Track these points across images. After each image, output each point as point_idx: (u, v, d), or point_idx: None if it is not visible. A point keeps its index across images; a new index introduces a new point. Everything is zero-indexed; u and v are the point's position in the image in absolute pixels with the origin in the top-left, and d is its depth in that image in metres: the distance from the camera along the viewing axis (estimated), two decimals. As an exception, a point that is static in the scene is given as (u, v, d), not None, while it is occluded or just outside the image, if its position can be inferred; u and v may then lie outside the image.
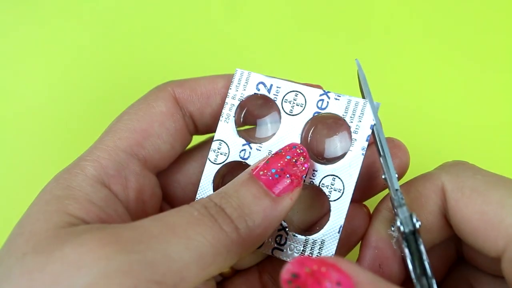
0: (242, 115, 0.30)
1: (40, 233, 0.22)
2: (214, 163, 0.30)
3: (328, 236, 0.28)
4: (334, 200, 0.28)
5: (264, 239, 0.25)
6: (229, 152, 0.30)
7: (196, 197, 0.30)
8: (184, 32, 0.45)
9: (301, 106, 0.28)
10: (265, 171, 0.26)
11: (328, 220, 0.28)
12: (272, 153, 0.28)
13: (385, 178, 0.26)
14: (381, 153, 0.27)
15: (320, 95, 0.28)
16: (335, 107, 0.28)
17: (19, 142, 0.42)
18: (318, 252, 0.28)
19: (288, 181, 0.26)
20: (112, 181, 0.26)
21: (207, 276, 0.22)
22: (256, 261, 0.31)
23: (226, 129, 0.30)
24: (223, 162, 0.30)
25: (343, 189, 0.27)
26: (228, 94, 0.29)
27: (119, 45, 0.44)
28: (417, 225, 0.24)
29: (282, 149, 0.27)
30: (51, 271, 0.20)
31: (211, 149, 0.30)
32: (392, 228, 0.27)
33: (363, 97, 0.28)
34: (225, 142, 0.30)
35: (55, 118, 0.42)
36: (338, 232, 0.27)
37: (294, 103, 0.28)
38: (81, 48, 0.44)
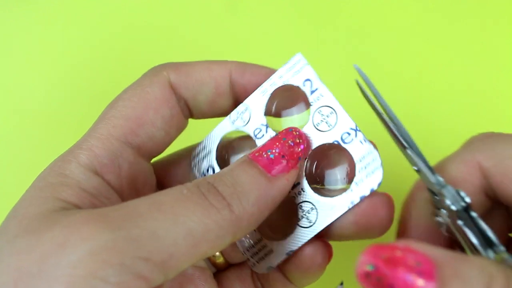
0: (274, 105, 0.30)
1: (33, 217, 0.22)
2: (231, 122, 0.30)
3: (277, 251, 0.28)
4: (301, 227, 0.28)
5: (259, 220, 0.25)
6: (248, 122, 0.29)
7: (198, 146, 0.30)
8: (184, 28, 0.46)
9: (329, 126, 0.28)
10: (261, 152, 0.26)
11: (286, 237, 0.28)
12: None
13: (417, 170, 0.26)
14: (405, 145, 0.26)
15: (351, 128, 0.27)
16: (355, 149, 0.27)
17: (18, 140, 0.42)
18: (262, 257, 0.28)
19: (284, 162, 0.26)
20: (105, 170, 0.26)
21: (200, 254, 0.22)
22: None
23: (258, 101, 0.29)
24: (238, 127, 0.29)
25: (313, 224, 0.27)
26: (277, 71, 0.29)
27: (118, 43, 0.45)
28: (467, 199, 0.23)
29: (279, 132, 0.27)
30: (39, 251, 0.21)
31: (235, 109, 0.29)
32: (439, 218, 0.26)
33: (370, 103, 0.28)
34: (249, 111, 0.29)
35: (54, 116, 0.42)
36: (286, 254, 0.28)
37: (325, 119, 0.28)
38: (80, 47, 0.44)
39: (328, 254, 0.28)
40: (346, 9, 0.47)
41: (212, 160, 0.30)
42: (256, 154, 0.26)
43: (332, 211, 0.27)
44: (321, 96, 0.28)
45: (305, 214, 0.28)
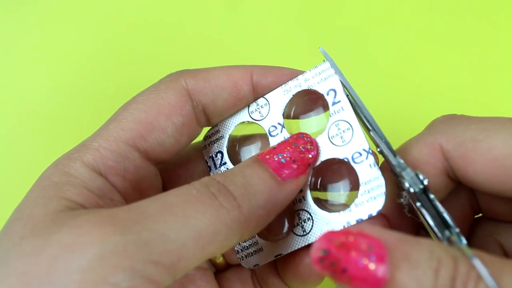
0: (294, 107, 0.29)
1: (38, 217, 0.22)
2: (248, 113, 0.29)
3: (266, 251, 0.28)
4: (294, 233, 0.28)
5: (265, 223, 0.25)
6: (265, 117, 0.29)
7: (212, 128, 0.30)
8: (184, 27, 0.46)
9: (343, 142, 0.27)
10: (272, 155, 0.26)
11: (278, 240, 0.28)
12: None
13: (380, 151, 0.26)
14: (370, 128, 0.26)
15: (363, 149, 0.26)
16: (363, 171, 0.26)
17: (19, 141, 0.42)
18: (251, 253, 0.29)
19: (294, 167, 0.26)
20: (110, 172, 0.25)
21: (207, 255, 0.22)
22: None
23: (279, 99, 0.29)
24: (254, 120, 0.29)
25: (307, 234, 0.27)
26: (304, 73, 0.28)
27: (118, 43, 0.45)
28: (425, 182, 0.24)
29: (290, 137, 0.27)
30: (47, 254, 0.20)
31: (255, 101, 0.29)
32: (402, 199, 0.26)
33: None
34: (269, 106, 0.29)
35: (55, 117, 0.42)
36: (275, 257, 0.28)
37: (341, 134, 0.27)
38: (81, 47, 0.44)
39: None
40: (346, 8, 0.47)
41: (222, 146, 0.30)
42: (267, 157, 0.26)
43: (327, 226, 0.27)
44: (342, 109, 0.27)
45: (301, 222, 0.28)
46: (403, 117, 0.43)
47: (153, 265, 0.20)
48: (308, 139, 0.27)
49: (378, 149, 0.26)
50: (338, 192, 0.28)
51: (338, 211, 0.27)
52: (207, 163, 0.31)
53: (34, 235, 0.21)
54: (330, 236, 0.20)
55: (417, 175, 0.24)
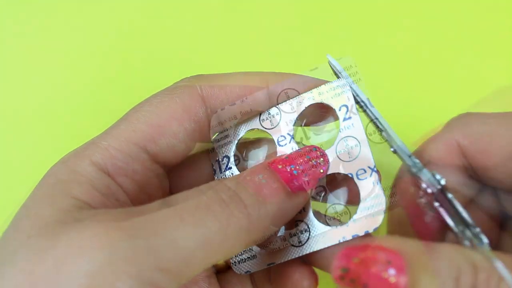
0: (305, 119, 0.29)
1: (46, 216, 0.22)
2: (259, 121, 0.29)
3: (260, 258, 0.28)
4: (290, 244, 0.27)
5: (271, 233, 0.25)
6: (276, 126, 0.29)
7: (221, 132, 0.30)
8: (185, 30, 0.45)
9: (349, 158, 0.27)
10: (284, 165, 0.25)
11: (273, 249, 0.28)
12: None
13: (394, 151, 0.26)
14: (381, 128, 0.26)
15: (368, 167, 0.26)
16: (365, 188, 0.26)
17: (20, 141, 0.42)
18: (244, 260, 0.28)
19: (305, 180, 0.25)
20: (118, 172, 0.25)
21: (213, 262, 0.22)
22: None
23: (291, 109, 0.29)
24: (265, 128, 0.29)
25: (302, 245, 0.27)
26: (319, 87, 0.28)
27: (117, 43, 0.45)
28: (442, 182, 0.23)
29: (302, 149, 0.27)
30: (55, 255, 0.20)
31: (267, 110, 0.29)
32: (422, 198, 0.26)
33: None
34: (280, 116, 0.29)
35: (57, 117, 0.42)
36: (267, 265, 0.28)
37: (348, 150, 0.27)
38: (82, 48, 0.44)
39: (315, 283, 0.28)
40: (347, 8, 0.46)
41: (230, 150, 0.30)
42: (279, 166, 0.25)
43: (323, 240, 0.26)
44: (352, 126, 0.27)
45: (297, 233, 0.27)
46: (415, 118, 0.42)
47: (160, 272, 0.20)
48: (321, 153, 0.27)
49: (392, 149, 0.26)
50: (338, 206, 0.28)
51: (336, 225, 0.26)
52: (212, 166, 0.31)
53: (42, 235, 0.21)
54: (349, 252, 0.21)
55: (433, 175, 0.24)
